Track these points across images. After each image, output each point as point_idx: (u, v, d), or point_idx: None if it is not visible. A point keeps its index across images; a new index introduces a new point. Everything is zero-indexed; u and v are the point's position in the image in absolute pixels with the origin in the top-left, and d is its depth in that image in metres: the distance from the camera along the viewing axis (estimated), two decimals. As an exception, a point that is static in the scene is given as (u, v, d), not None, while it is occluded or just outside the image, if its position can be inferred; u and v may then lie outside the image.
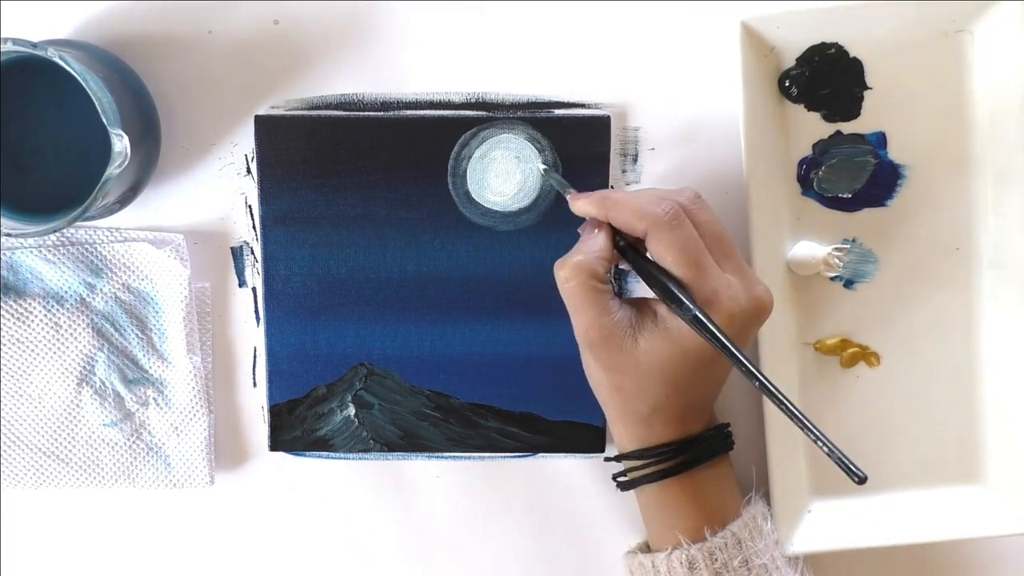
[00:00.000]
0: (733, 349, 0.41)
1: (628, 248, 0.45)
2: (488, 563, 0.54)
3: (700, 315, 0.42)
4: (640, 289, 0.49)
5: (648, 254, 0.44)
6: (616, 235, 0.45)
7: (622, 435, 0.47)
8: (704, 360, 0.43)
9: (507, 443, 0.52)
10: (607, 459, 0.50)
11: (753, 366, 0.41)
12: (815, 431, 0.40)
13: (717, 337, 0.41)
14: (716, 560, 0.45)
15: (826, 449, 0.40)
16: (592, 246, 0.44)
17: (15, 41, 0.40)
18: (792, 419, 0.40)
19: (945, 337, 0.51)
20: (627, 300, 0.46)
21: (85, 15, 0.48)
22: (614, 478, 0.48)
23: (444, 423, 0.52)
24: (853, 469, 0.39)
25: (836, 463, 0.40)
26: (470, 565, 0.54)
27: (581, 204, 0.45)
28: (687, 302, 0.42)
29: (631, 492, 0.48)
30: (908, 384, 0.52)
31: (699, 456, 0.46)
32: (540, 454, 0.52)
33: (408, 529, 0.53)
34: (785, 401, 0.41)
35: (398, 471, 0.53)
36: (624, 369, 0.44)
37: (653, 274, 0.43)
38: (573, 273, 0.44)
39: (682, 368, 0.44)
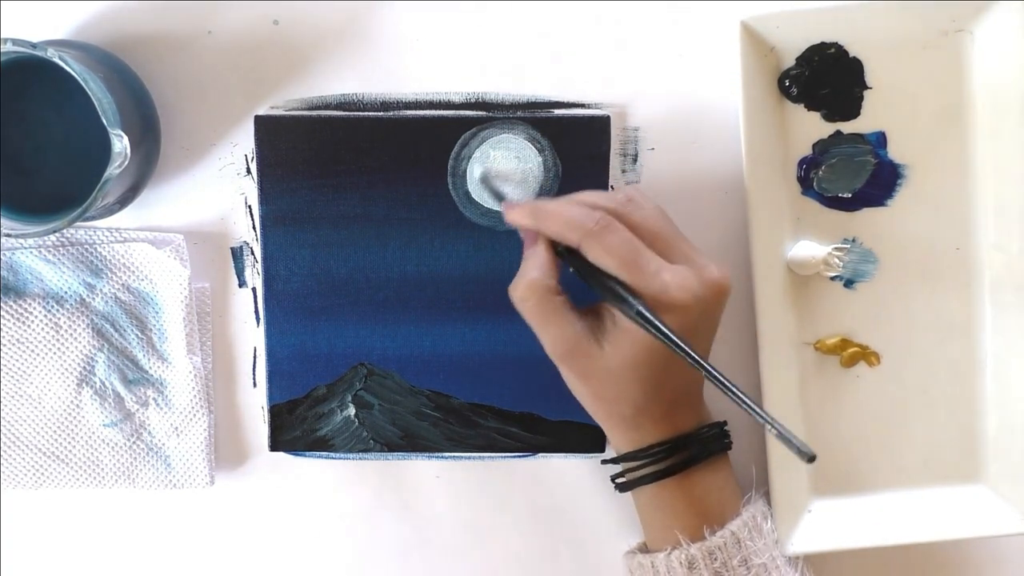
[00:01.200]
0: (678, 341, 0.41)
1: (567, 254, 0.44)
2: (488, 563, 0.54)
3: (643, 310, 0.42)
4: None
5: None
6: (554, 243, 0.45)
7: (615, 439, 0.47)
8: (670, 353, 0.43)
9: (507, 443, 0.52)
10: (604, 462, 0.50)
11: (697, 355, 0.41)
12: (761, 413, 0.40)
13: (662, 331, 0.41)
14: (715, 559, 0.45)
15: (774, 431, 0.40)
16: (534, 263, 0.44)
17: (15, 41, 0.40)
18: (740, 404, 0.40)
19: (945, 337, 0.51)
20: (586, 309, 0.45)
21: (85, 15, 0.48)
22: (612, 480, 0.48)
23: (444, 423, 0.52)
24: (801, 449, 0.39)
25: (785, 443, 0.39)
26: (470, 565, 0.54)
27: (514, 215, 0.46)
28: (630, 300, 0.42)
29: (629, 492, 0.48)
30: (908, 384, 0.52)
31: (695, 456, 0.46)
32: (540, 454, 0.52)
33: (408, 529, 0.53)
34: (732, 387, 0.41)
35: (398, 471, 0.53)
36: (597, 375, 0.44)
37: (596, 277, 0.43)
38: (529, 292, 0.44)
39: (651, 364, 0.44)
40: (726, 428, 0.48)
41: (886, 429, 0.52)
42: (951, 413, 0.52)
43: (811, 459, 0.39)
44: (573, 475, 0.53)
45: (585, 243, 0.43)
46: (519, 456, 0.53)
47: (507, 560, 0.54)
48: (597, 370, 0.44)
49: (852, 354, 0.51)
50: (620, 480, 0.48)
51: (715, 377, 0.41)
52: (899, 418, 0.52)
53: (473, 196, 0.50)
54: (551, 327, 0.44)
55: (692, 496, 0.46)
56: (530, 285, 0.44)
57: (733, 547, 0.45)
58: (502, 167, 0.50)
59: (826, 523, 0.51)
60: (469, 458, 0.53)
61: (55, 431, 0.51)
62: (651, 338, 0.42)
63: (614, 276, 0.43)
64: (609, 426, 0.46)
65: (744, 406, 0.40)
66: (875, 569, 0.53)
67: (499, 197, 0.48)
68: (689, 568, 0.45)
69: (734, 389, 0.41)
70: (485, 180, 0.49)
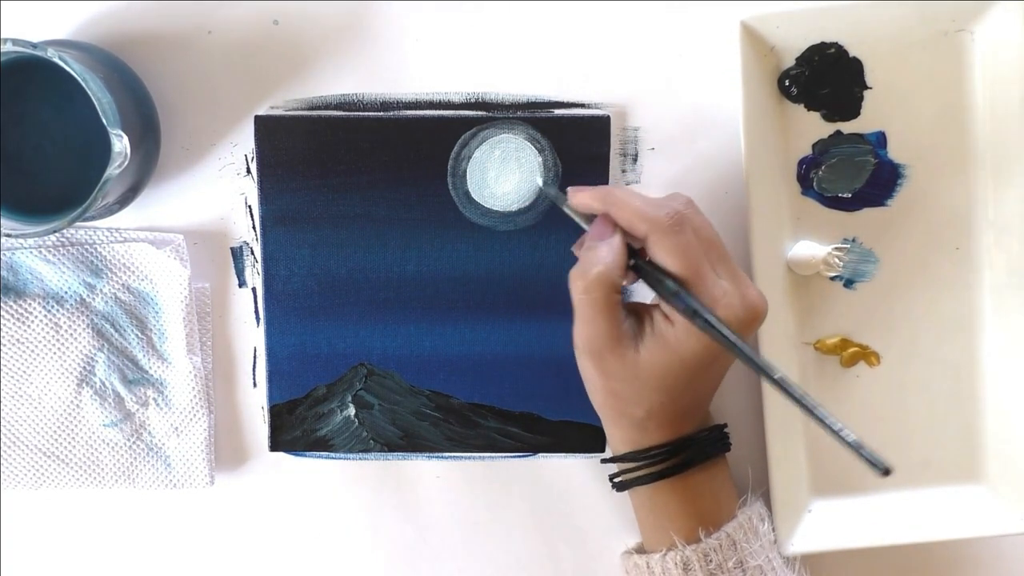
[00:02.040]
0: (748, 352, 0.41)
1: (631, 249, 0.44)
2: (488, 563, 0.54)
3: (709, 318, 0.41)
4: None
5: (649, 257, 0.44)
6: None
7: (615, 437, 0.47)
8: (702, 365, 0.43)
9: (507, 443, 0.52)
10: (603, 460, 0.50)
11: (763, 362, 0.41)
12: (833, 423, 0.39)
13: (724, 335, 0.41)
14: (710, 561, 0.45)
15: (848, 442, 0.38)
16: (608, 256, 0.43)
17: (15, 41, 0.40)
18: (810, 414, 0.39)
19: (945, 337, 0.51)
20: (628, 306, 0.46)
21: (85, 15, 0.48)
22: (610, 479, 0.48)
23: (444, 423, 0.52)
24: (875, 462, 0.38)
25: (858, 455, 0.38)
26: (470, 565, 0.54)
27: (583, 197, 0.45)
28: (697, 306, 0.42)
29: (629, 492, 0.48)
30: (908, 384, 0.52)
31: (692, 459, 0.46)
32: (540, 454, 0.52)
33: (408, 529, 0.53)
34: (802, 398, 0.40)
35: (398, 471, 0.53)
36: (623, 376, 0.44)
37: (654, 274, 0.43)
38: (595, 286, 0.43)
39: (679, 375, 0.43)
40: (726, 431, 0.48)
41: (886, 429, 0.52)
42: (951, 413, 0.52)
43: (886, 472, 0.38)
44: (573, 475, 0.53)
45: (653, 236, 0.42)
46: (519, 456, 0.53)
47: (507, 560, 0.54)
48: (623, 371, 0.44)
49: (852, 354, 0.51)
50: (617, 480, 0.48)
51: (785, 388, 0.40)
52: (899, 418, 0.52)
53: (473, 196, 0.50)
54: (601, 323, 0.43)
55: (688, 498, 0.46)
56: (600, 278, 0.43)
57: (728, 549, 0.45)
58: (502, 167, 0.50)
59: (826, 523, 0.51)
60: (469, 458, 0.53)
61: (55, 431, 0.51)
62: (685, 350, 0.42)
63: (671, 275, 0.42)
64: (614, 424, 0.46)
65: (815, 416, 0.39)
66: (875, 569, 0.53)
67: (559, 198, 0.48)
68: (684, 570, 0.45)
69: (804, 401, 0.40)
70: (546, 187, 0.49)
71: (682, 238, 0.42)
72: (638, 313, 0.45)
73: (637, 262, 0.44)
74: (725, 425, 0.48)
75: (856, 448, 0.38)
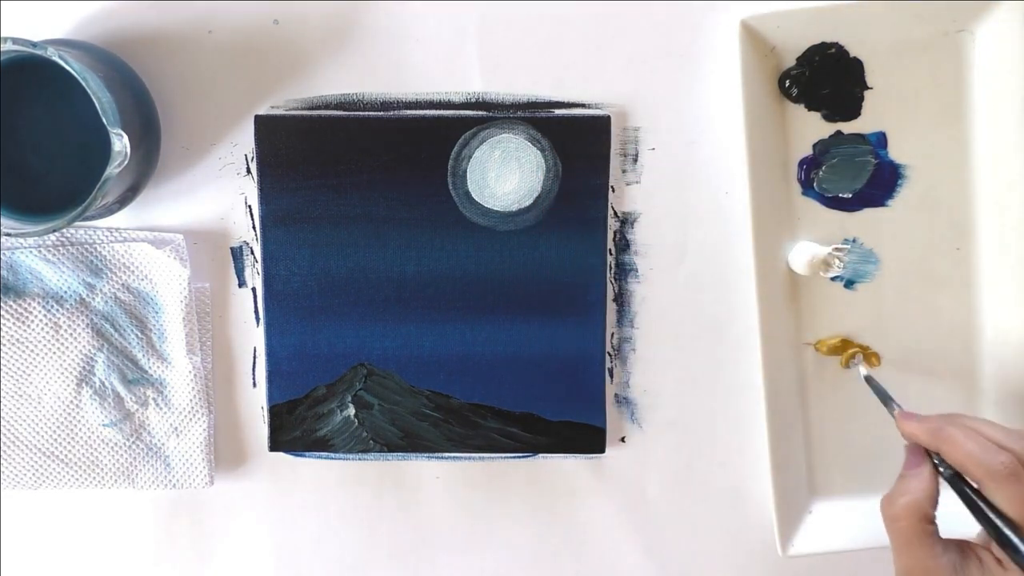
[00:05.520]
0: None
1: (955, 479, 0.43)
2: (488, 563, 0.54)
3: None
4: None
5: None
6: (940, 464, 0.44)
7: None
8: None
9: (507, 443, 0.52)
10: None
11: None
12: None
13: None
14: None
15: None
16: (919, 485, 0.43)
17: (15, 41, 0.40)
18: None
19: (945, 337, 0.51)
20: (951, 541, 0.44)
21: (85, 15, 0.48)
22: None
23: (444, 423, 0.52)
24: None
25: None
26: (470, 565, 0.54)
27: (911, 429, 0.45)
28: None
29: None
30: (908, 384, 0.52)
31: None
32: (540, 454, 0.52)
33: (408, 529, 0.53)
34: None
35: (398, 471, 0.53)
36: None
37: (987, 517, 0.42)
38: (904, 514, 0.43)
39: None
40: None
41: (886, 429, 0.52)
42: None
43: None
44: (573, 475, 0.53)
45: (988, 485, 0.41)
46: (519, 456, 0.53)
47: (507, 560, 0.53)
48: None
49: (852, 354, 0.51)
50: None
51: None
52: (899, 418, 0.52)
53: (473, 196, 0.50)
54: (916, 552, 0.42)
55: None
56: (909, 507, 0.43)
57: None
58: (502, 167, 0.50)
59: (826, 524, 0.51)
60: (469, 458, 0.53)
61: (55, 431, 0.51)
62: None
63: (1008, 517, 0.41)
64: None
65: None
66: (875, 570, 0.53)
67: (886, 399, 0.48)
68: None
69: None
70: (870, 380, 0.49)
71: (1018, 488, 0.40)
72: (963, 550, 0.44)
73: (961, 491, 0.43)
74: None
75: None
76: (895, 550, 0.43)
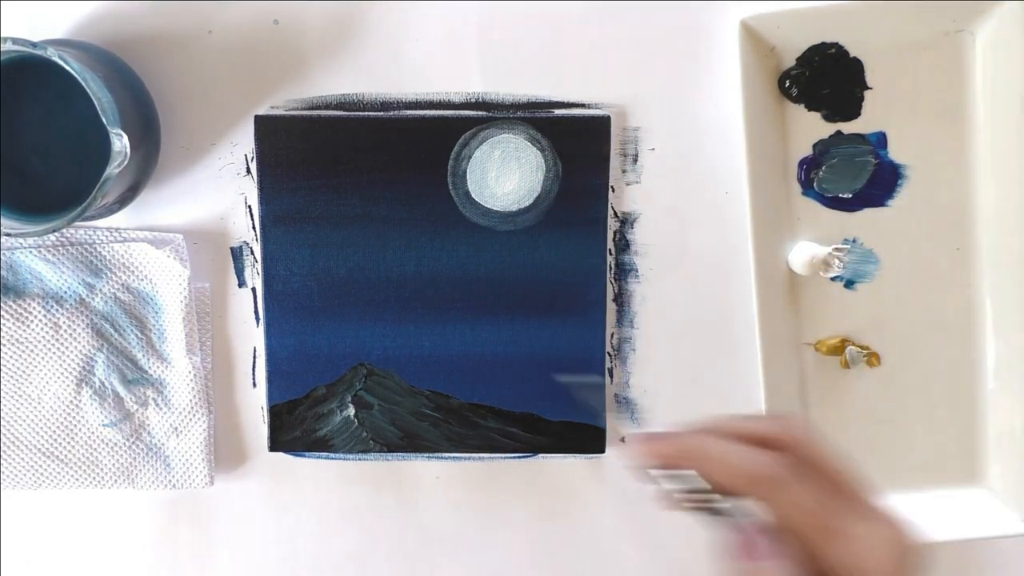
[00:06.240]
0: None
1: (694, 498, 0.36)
2: (488, 563, 0.54)
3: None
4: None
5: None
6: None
7: None
8: None
9: (507, 443, 0.52)
10: None
11: None
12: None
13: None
14: None
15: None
16: None
17: (15, 41, 0.40)
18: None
19: (945, 337, 0.51)
20: None
21: (85, 15, 0.48)
22: None
23: (444, 423, 0.52)
24: None
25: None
26: (470, 565, 0.54)
27: (644, 448, 0.36)
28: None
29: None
30: (908, 384, 0.52)
31: None
32: (540, 454, 0.52)
33: (408, 529, 0.53)
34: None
35: (398, 471, 0.53)
36: None
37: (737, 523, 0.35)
38: None
39: None
40: None
41: (886, 430, 0.52)
42: (951, 414, 0.52)
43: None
44: (573, 475, 0.53)
45: (758, 496, 0.34)
46: (519, 456, 0.53)
47: (507, 560, 0.53)
48: None
49: (843, 346, 0.51)
50: None
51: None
52: (899, 419, 0.52)
53: (473, 196, 0.50)
54: None
55: None
56: None
57: None
58: (502, 167, 0.50)
59: (826, 523, 0.51)
60: (469, 458, 0.53)
61: (55, 431, 0.51)
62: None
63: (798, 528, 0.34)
64: None
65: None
66: (875, 570, 0.53)
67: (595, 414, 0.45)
68: None
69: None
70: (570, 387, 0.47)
71: (789, 494, 0.34)
72: None
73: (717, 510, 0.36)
74: None
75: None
76: None
